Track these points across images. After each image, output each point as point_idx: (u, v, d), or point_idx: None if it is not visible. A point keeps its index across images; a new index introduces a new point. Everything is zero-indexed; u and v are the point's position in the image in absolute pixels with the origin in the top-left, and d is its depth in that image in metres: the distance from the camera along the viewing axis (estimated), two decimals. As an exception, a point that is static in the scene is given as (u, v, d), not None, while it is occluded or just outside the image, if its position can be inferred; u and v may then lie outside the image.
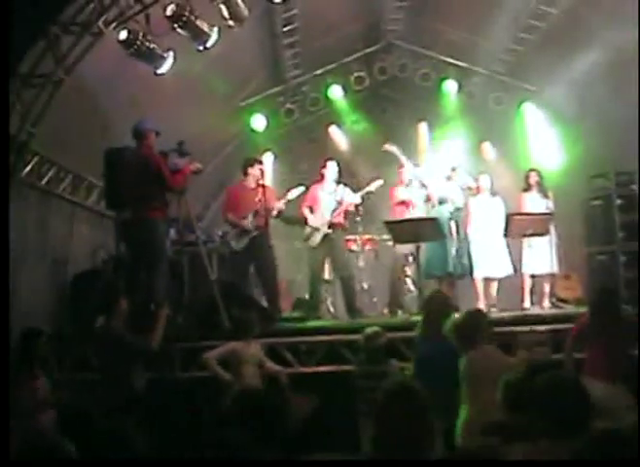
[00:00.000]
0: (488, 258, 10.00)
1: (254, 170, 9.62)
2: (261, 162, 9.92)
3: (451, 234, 9.37)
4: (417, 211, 10.03)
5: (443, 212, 9.53)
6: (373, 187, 10.11)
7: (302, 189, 9.76)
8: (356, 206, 10.24)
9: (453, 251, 9.38)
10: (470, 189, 10.01)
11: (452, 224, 9.48)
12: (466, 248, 9.60)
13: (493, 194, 10.56)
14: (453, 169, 9.79)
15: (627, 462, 2.78)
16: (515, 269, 10.17)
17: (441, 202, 9.63)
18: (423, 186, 10.01)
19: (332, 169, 10.14)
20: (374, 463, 3.23)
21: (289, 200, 9.64)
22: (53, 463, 3.25)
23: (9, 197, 6.73)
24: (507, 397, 4.92)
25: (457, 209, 9.70)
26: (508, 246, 10.25)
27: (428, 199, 9.93)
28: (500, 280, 10.16)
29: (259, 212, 9.35)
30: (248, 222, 9.34)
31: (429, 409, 3.32)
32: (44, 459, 3.22)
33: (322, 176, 10.19)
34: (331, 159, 10.36)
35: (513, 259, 10.23)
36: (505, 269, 10.10)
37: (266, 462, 3.37)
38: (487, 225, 10.22)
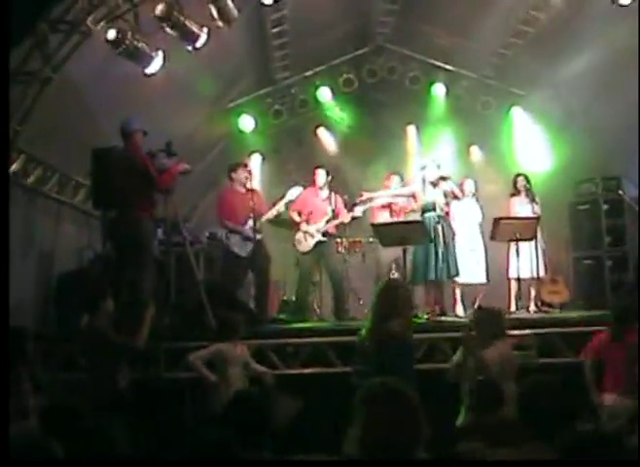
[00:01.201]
0: (468, 263, 10.07)
1: (237, 175, 9.66)
2: (246, 166, 9.93)
3: (438, 240, 9.38)
4: (401, 217, 10.10)
5: (429, 218, 9.53)
6: (375, 202, 10.21)
7: (300, 189, 9.80)
8: (352, 219, 10.27)
9: (438, 257, 9.38)
10: (454, 196, 10.01)
11: (439, 229, 9.49)
12: (452, 253, 9.61)
13: (476, 199, 10.62)
14: (443, 178, 9.76)
15: (627, 462, 2.78)
16: (488, 277, 10.26)
17: (427, 209, 9.62)
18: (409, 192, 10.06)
19: (321, 177, 10.19)
20: (374, 463, 3.23)
21: (290, 201, 9.70)
22: (53, 463, 3.25)
23: (8, 200, 6.69)
24: (484, 399, 4.96)
25: (441, 216, 9.72)
26: (486, 252, 10.32)
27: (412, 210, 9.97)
28: (482, 286, 10.29)
29: (255, 217, 9.40)
30: (249, 228, 9.38)
31: (417, 410, 3.32)
32: (32, 461, 3.20)
33: (314, 182, 10.23)
34: (319, 166, 10.40)
35: (495, 264, 10.32)
36: (481, 275, 10.20)
37: (267, 462, 3.37)
38: (468, 230, 10.30)
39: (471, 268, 10.11)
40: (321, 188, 10.18)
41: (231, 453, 3.20)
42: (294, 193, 9.77)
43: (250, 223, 9.41)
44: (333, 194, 10.19)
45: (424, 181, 9.75)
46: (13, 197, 8.30)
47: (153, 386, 7.36)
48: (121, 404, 6.10)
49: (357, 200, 10.23)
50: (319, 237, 9.96)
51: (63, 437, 3.53)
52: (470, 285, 10.26)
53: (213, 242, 10.71)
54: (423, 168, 9.89)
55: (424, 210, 9.58)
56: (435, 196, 9.65)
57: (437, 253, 9.33)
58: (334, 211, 10.07)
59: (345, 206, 10.27)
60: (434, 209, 9.54)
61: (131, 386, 6.51)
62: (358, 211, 10.13)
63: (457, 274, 9.63)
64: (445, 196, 9.72)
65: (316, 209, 10.12)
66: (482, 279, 10.28)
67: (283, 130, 13.15)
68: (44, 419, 4.52)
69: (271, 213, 9.64)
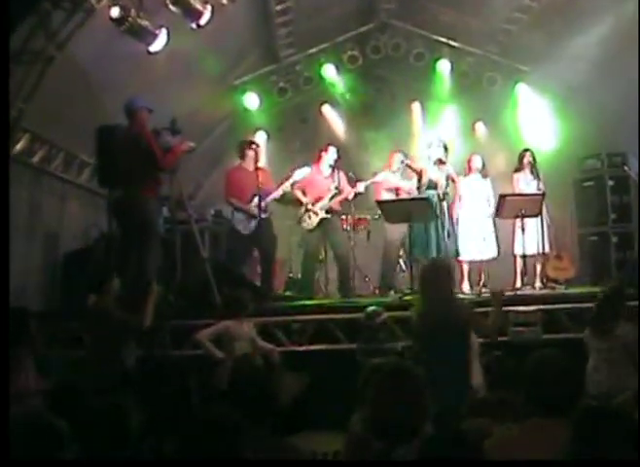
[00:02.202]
0: (475, 240, 10.07)
1: (246, 153, 9.67)
2: (254, 144, 9.92)
3: (438, 217, 9.39)
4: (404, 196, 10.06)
5: (431, 195, 9.52)
6: (378, 178, 10.19)
7: (307, 169, 9.78)
8: (355, 195, 10.23)
9: (436, 234, 9.39)
10: (452, 180, 9.99)
11: (444, 206, 9.50)
12: (452, 231, 9.61)
13: (484, 175, 10.58)
14: (442, 162, 9.77)
15: (627, 462, 2.78)
16: (499, 252, 10.24)
17: (429, 187, 9.63)
18: (413, 171, 10.01)
19: (331, 155, 10.15)
20: (374, 463, 3.26)
21: (294, 182, 9.68)
22: (52, 463, 3.26)
23: (8, 179, 6.67)
24: (490, 377, 4.97)
25: (445, 194, 9.70)
26: (495, 228, 10.30)
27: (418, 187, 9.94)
28: (490, 262, 10.25)
29: (261, 195, 9.37)
30: (253, 206, 9.37)
31: (423, 388, 3.34)
32: (39, 444, 3.22)
33: (319, 158, 10.19)
34: (332, 144, 10.37)
35: (500, 241, 10.31)
36: (490, 251, 10.18)
37: (267, 462, 3.39)
38: (475, 206, 10.26)
39: (478, 244, 10.09)
40: (326, 166, 10.15)
41: (238, 430, 3.20)
42: (301, 173, 9.74)
43: (255, 201, 9.40)
44: (336, 170, 10.15)
45: (429, 158, 9.76)
46: (18, 176, 8.30)
47: (160, 364, 7.39)
48: (127, 382, 6.13)
49: (368, 182, 10.19)
50: (323, 214, 9.95)
51: (70, 414, 3.55)
52: (477, 262, 10.23)
53: (218, 220, 10.73)
54: (429, 146, 9.90)
55: (427, 187, 9.58)
56: (438, 174, 9.65)
57: (437, 231, 9.35)
58: (337, 188, 10.04)
59: (349, 183, 10.24)
60: (436, 187, 9.57)
61: (138, 364, 6.54)
62: (361, 187, 10.09)
63: (458, 255, 9.65)
64: (447, 178, 9.74)
65: (320, 187, 10.09)
66: (492, 255, 10.22)
67: (288, 108, 13.08)
68: (51, 398, 4.54)
69: (277, 193, 9.62)
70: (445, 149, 9.89)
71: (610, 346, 6.04)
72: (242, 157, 9.75)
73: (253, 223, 9.43)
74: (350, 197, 10.16)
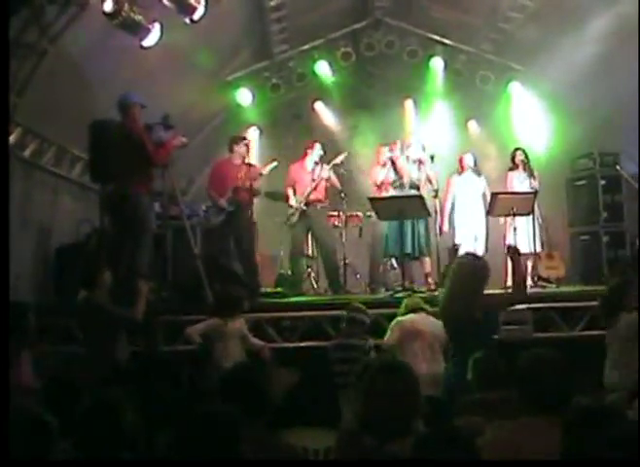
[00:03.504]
0: (468, 238, 10.11)
1: (239, 148, 9.72)
2: (246, 140, 9.94)
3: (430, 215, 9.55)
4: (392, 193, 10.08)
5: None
6: (338, 159, 10.27)
7: (274, 164, 9.84)
8: (328, 179, 10.24)
9: (415, 232, 9.50)
10: (429, 181, 10.04)
11: (436, 203, 9.59)
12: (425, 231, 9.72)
13: (477, 173, 10.62)
14: (421, 162, 9.84)
15: (627, 462, 2.82)
16: (487, 248, 10.28)
17: (411, 186, 9.70)
18: (395, 169, 10.05)
19: (317, 151, 10.23)
20: (375, 463, 3.27)
21: (261, 175, 9.72)
22: (52, 463, 3.27)
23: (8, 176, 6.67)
24: (481, 375, 4.98)
25: (436, 190, 9.76)
26: (487, 226, 10.35)
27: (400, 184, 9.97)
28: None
29: (239, 188, 9.38)
30: (225, 199, 9.37)
31: (415, 384, 3.36)
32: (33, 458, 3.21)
33: (305, 155, 10.23)
34: (317, 141, 10.38)
35: (491, 239, 10.35)
36: (482, 248, 10.23)
37: (268, 462, 3.42)
38: (468, 204, 10.30)
39: (468, 243, 10.13)
40: (310, 161, 10.20)
41: (231, 426, 3.21)
42: (268, 168, 9.88)
43: (229, 193, 9.46)
44: (319, 165, 10.17)
45: (407, 159, 9.84)
46: (9, 170, 8.27)
47: (151, 359, 7.39)
48: (120, 376, 6.13)
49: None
50: (301, 207, 9.99)
51: (62, 412, 3.55)
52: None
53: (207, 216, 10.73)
54: (408, 147, 9.97)
55: (409, 187, 9.69)
56: (417, 174, 9.74)
57: (414, 229, 9.49)
58: (314, 180, 10.07)
59: (339, 178, 10.32)
60: (417, 188, 9.70)
61: (130, 359, 6.54)
62: (326, 171, 10.11)
63: (425, 254, 9.76)
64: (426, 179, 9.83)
65: (302, 182, 10.20)
66: (480, 253, 10.27)
67: (281, 104, 13.07)
68: (44, 392, 4.54)
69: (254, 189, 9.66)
70: (424, 149, 9.92)
71: (611, 338, 6.09)
72: (231, 151, 9.81)
73: (222, 215, 9.47)
74: (324, 183, 10.18)
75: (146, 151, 7.77)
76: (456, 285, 5.76)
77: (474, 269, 5.82)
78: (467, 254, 6.66)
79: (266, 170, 9.88)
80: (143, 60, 8.72)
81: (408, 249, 9.42)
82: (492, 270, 9.94)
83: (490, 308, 5.78)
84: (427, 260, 9.83)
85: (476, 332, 5.52)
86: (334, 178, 10.32)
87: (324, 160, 10.30)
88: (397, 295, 8.64)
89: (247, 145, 9.81)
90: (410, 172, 9.79)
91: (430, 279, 9.81)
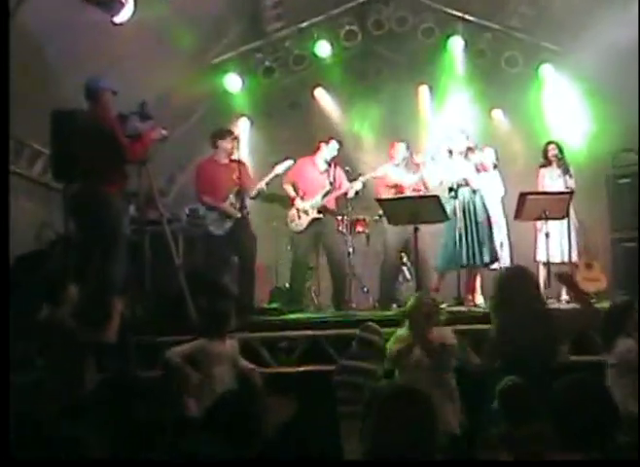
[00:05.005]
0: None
1: (224, 143, 9.65)
2: (232, 134, 9.89)
3: (471, 219, 9.61)
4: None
5: (462, 193, 9.67)
6: (379, 172, 10.20)
7: (289, 163, 9.79)
8: (356, 193, 10.28)
9: (470, 238, 9.50)
10: (483, 169, 10.04)
11: (473, 206, 9.68)
12: (488, 235, 9.74)
13: (498, 170, 10.63)
14: (470, 149, 9.83)
15: (628, 462, 2.78)
16: (512, 260, 10.28)
17: (459, 185, 9.67)
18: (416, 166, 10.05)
19: (332, 148, 10.19)
20: (375, 464, 3.30)
21: (276, 176, 9.68)
22: (52, 463, 3.30)
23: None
24: (508, 406, 4.96)
25: (473, 192, 9.74)
26: (508, 231, 10.35)
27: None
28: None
29: (240, 192, 9.37)
30: (229, 204, 9.36)
31: (432, 413, 3.33)
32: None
33: (317, 150, 10.20)
34: (334, 138, 10.46)
35: (519, 247, 10.35)
36: (504, 258, 10.24)
37: (268, 462, 3.44)
38: (492, 206, 10.26)
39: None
40: (323, 159, 10.16)
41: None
42: (282, 167, 9.76)
43: (232, 198, 9.39)
44: (332, 165, 10.16)
45: (451, 153, 9.80)
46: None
47: (125, 387, 7.35)
48: (87, 408, 6.09)
49: (367, 176, 10.22)
50: (314, 214, 9.95)
51: (23, 447, 3.53)
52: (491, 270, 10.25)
53: (194, 220, 10.69)
54: (450, 139, 9.93)
55: (459, 185, 9.64)
56: (465, 169, 9.73)
57: (469, 234, 9.53)
58: (332, 184, 10.04)
59: (346, 179, 10.28)
60: (466, 184, 9.66)
61: (99, 388, 6.50)
62: (358, 184, 10.10)
63: (492, 260, 9.79)
64: (477, 170, 9.79)
65: (313, 183, 10.12)
66: (505, 263, 10.27)
67: (275, 91, 13.07)
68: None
69: (254, 190, 9.62)
70: (467, 139, 9.99)
71: (612, 363, 6.18)
72: (215, 147, 9.77)
73: (228, 223, 9.41)
74: (349, 194, 10.15)
75: (119, 144, 7.74)
76: (510, 300, 5.91)
77: (520, 276, 6.06)
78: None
79: (279, 170, 9.81)
80: (115, 40, 8.71)
81: (464, 261, 9.45)
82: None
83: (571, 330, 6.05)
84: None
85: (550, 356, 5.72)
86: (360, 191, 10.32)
87: (337, 159, 10.30)
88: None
89: (235, 139, 9.74)
90: (456, 168, 9.74)
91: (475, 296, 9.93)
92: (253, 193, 9.65)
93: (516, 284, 5.97)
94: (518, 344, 5.77)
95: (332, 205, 10.19)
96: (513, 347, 5.80)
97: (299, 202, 10.06)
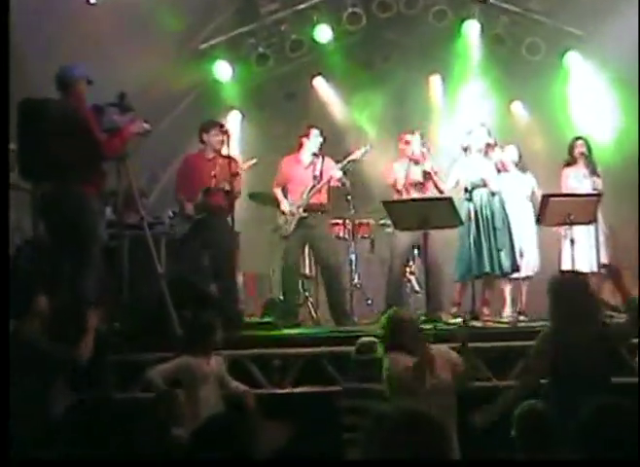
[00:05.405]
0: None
1: (211, 137, 9.61)
2: (222, 127, 9.85)
3: (490, 223, 9.55)
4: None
5: (480, 195, 9.64)
6: (356, 155, 10.14)
7: (253, 161, 9.86)
8: (342, 183, 10.17)
9: (491, 245, 9.51)
10: (504, 168, 10.01)
11: (491, 209, 9.62)
12: (508, 240, 9.69)
13: (522, 169, 10.58)
14: (489, 146, 9.79)
15: (628, 462, 2.75)
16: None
17: (475, 186, 9.62)
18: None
19: (314, 139, 10.12)
20: (375, 464, 3.29)
21: (238, 174, 9.64)
22: (53, 463, 3.40)
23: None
24: (527, 430, 4.92)
25: (492, 194, 9.69)
26: (538, 237, 10.31)
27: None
28: (528, 280, 10.24)
29: (211, 190, 9.36)
30: (192, 204, 9.36)
31: (445, 439, 3.30)
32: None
33: (300, 146, 10.17)
34: (313, 126, 10.32)
35: (544, 255, 10.31)
36: (532, 265, 10.19)
37: (268, 462, 3.44)
38: (512, 209, 10.21)
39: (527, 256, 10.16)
40: (307, 154, 10.12)
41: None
42: (246, 165, 9.85)
43: (200, 197, 9.44)
44: (319, 158, 10.09)
45: (467, 150, 9.75)
46: None
47: (100, 411, 7.32)
48: (58, 434, 6.05)
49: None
50: (300, 214, 9.90)
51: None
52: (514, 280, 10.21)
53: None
54: (469, 133, 9.88)
55: (473, 187, 9.57)
56: (485, 168, 9.70)
57: (485, 241, 9.49)
58: (316, 178, 9.99)
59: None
60: (484, 185, 9.61)
61: (71, 413, 6.46)
62: (337, 171, 10.01)
63: (513, 269, 9.73)
64: (498, 170, 9.76)
65: (297, 180, 10.13)
66: (531, 271, 10.28)
67: (269, 81, 13.09)
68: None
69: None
70: (489, 133, 9.94)
71: None
72: (202, 141, 9.77)
73: (187, 224, 9.44)
74: (333, 183, 10.07)
75: (94, 139, 7.71)
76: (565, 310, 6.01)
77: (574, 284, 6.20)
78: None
79: (243, 168, 9.81)
80: (90, 22, 8.70)
81: (486, 268, 9.46)
82: (543, 295, 10.06)
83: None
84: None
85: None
86: (345, 179, 10.22)
87: (324, 150, 10.21)
88: (424, 327, 8.52)
89: (223, 133, 9.69)
90: (473, 167, 9.69)
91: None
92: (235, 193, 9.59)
93: (573, 294, 5.96)
94: (577, 361, 5.80)
95: (322, 200, 10.11)
96: (569, 364, 5.82)
97: (285, 205, 10.04)
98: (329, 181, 10.04)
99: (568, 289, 6.12)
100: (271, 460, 3.45)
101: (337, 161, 10.11)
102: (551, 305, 6.13)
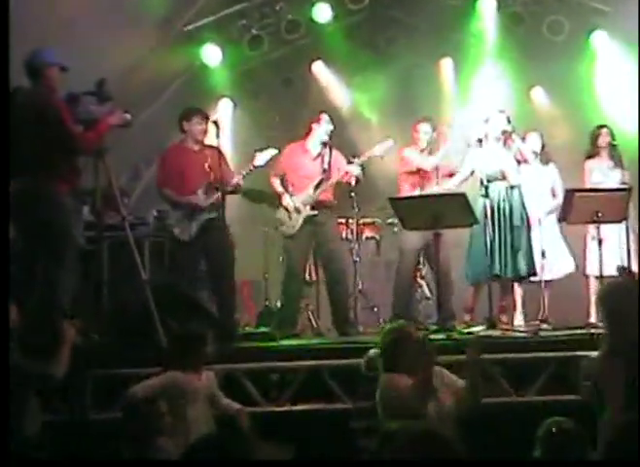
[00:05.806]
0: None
1: (191, 126, 9.56)
2: (203, 114, 9.81)
3: (506, 221, 9.56)
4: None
5: (498, 190, 9.63)
6: (379, 151, 10.06)
7: (273, 152, 9.70)
8: (357, 180, 10.11)
9: (507, 245, 9.52)
10: (524, 160, 9.99)
11: (509, 206, 9.64)
12: (527, 241, 9.69)
13: (545, 161, 10.56)
14: (506, 132, 9.76)
15: (628, 462, 2.86)
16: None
17: (492, 178, 9.60)
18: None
19: (325, 126, 10.05)
20: (375, 464, 3.46)
21: (254, 168, 9.57)
22: (53, 463, 3.20)
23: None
24: (554, 450, 4.93)
25: (511, 188, 9.67)
26: (564, 235, 10.29)
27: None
28: (554, 284, 10.22)
29: (212, 185, 9.31)
30: (198, 200, 9.30)
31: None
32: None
33: (308, 133, 10.10)
34: (324, 111, 10.32)
35: (572, 253, 10.30)
36: (564, 266, 10.18)
37: (268, 462, 3.43)
38: (534, 206, 10.20)
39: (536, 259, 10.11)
40: (316, 143, 10.05)
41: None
42: (263, 157, 9.66)
43: (200, 193, 9.38)
44: (327, 149, 10.05)
45: (482, 140, 9.72)
46: None
47: (76, 432, 7.32)
48: (30, 458, 6.05)
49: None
50: (307, 211, 9.84)
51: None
52: (534, 284, 10.17)
53: (163, 224, 10.66)
54: (486, 121, 9.86)
55: (489, 180, 9.55)
56: (504, 159, 9.69)
57: (502, 240, 9.51)
58: (325, 171, 9.94)
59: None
60: (503, 178, 9.58)
61: (45, 433, 6.46)
62: (356, 167, 9.95)
63: (530, 273, 9.72)
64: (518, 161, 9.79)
65: (301, 172, 10.05)
66: (556, 274, 10.30)
67: (264, 66, 13.10)
68: None
69: (229, 186, 9.52)
70: (509, 121, 9.92)
71: None
72: (182, 131, 9.72)
73: (195, 224, 9.38)
74: (345, 179, 10.04)
75: (67, 131, 7.73)
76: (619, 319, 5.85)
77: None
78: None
79: (260, 161, 9.69)
80: (65, 3, 8.70)
81: (497, 270, 9.47)
82: (575, 302, 10.05)
83: None
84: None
85: None
86: (362, 177, 10.14)
87: (334, 141, 10.17)
88: (433, 336, 8.54)
89: (207, 121, 9.65)
90: (491, 158, 9.68)
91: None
92: (228, 188, 9.52)
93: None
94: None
95: (330, 197, 10.08)
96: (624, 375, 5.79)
97: (287, 199, 9.96)
98: (342, 177, 10.01)
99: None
100: (271, 460, 3.43)
101: (354, 156, 10.07)
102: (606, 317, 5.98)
